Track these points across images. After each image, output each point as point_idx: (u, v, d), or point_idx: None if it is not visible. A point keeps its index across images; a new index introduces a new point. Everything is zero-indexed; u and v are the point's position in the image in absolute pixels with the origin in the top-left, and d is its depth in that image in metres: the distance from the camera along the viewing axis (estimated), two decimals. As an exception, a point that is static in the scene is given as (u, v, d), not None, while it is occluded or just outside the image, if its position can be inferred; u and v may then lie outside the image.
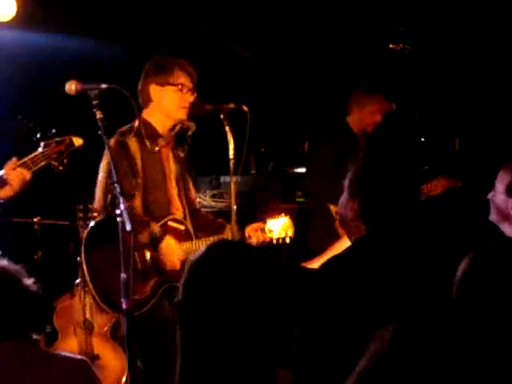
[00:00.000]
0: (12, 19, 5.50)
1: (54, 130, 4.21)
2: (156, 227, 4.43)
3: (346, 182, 2.94)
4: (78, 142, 4.28)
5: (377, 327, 1.70)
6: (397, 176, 2.92)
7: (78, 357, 2.82)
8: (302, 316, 2.73)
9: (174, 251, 4.46)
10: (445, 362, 1.50)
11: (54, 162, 4.16)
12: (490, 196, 3.42)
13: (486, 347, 1.56)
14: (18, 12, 5.48)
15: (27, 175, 4.01)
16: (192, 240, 4.58)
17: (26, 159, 4.09)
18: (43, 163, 4.13)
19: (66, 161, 4.19)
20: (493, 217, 3.42)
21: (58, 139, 4.20)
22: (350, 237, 2.96)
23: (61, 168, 4.18)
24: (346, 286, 2.72)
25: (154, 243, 4.42)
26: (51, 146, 4.17)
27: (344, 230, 3.02)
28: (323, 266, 2.87)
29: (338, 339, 2.66)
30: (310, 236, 5.83)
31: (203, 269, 2.11)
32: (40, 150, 4.15)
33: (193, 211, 4.80)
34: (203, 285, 2.08)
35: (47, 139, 4.17)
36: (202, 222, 4.82)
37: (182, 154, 4.77)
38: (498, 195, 3.35)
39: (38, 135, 4.16)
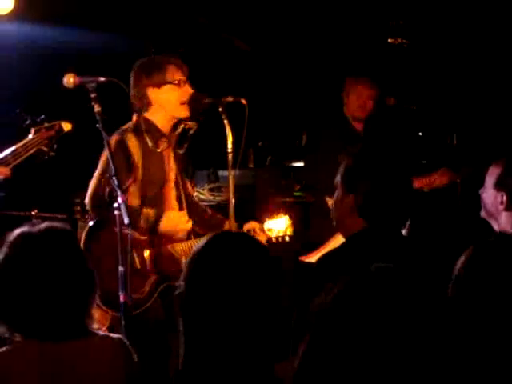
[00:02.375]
0: (10, 12, 5.49)
1: (43, 116, 4.20)
2: (150, 211, 4.41)
3: (338, 178, 2.92)
4: (67, 126, 4.27)
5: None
6: (391, 170, 2.91)
7: (116, 335, 2.80)
8: (299, 309, 2.73)
9: (177, 220, 4.46)
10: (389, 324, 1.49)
11: (44, 148, 4.16)
12: (480, 191, 3.38)
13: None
14: (15, 5, 5.46)
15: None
16: (191, 239, 4.56)
17: (16, 146, 4.09)
18: (34, 149, 4.13)
19: (56, 146, 4.19)
20: (482, 213, 3.37)
21: (47, 125, 4.19)
22: (344, 233, 2.94)
23: (51, 154, 4.18)
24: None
25: (153, 225, 4.40)
26: (41, 132, 4.17)
27: (338, 227, 3.01)
28: (320, 259, 2.87)
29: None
30: (312, 228, 5.82)
31: (205, 259, 2.12)
32: (30, 136, 4.14)
33: (190, 205, 4.77)
34: (205, 275, 2.09)
35: (37, 125, 4.16)
36: (200, 217, 4.80)
37: (181, 151, 4.74)
38: (488, 190, 3.31)
39: (28, 121, 4.15)
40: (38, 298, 2.60)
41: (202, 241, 2.17)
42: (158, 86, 4.49)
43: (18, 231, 2.68)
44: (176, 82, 4.49)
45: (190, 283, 2.11)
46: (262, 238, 4.66)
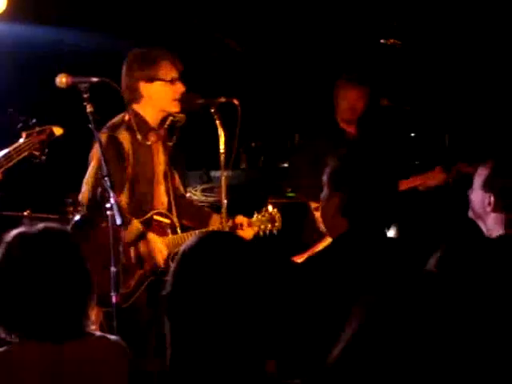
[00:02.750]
0: (3, 12, 5.49)
1: (34, 120, 4.21)
2: (138, 225, 4.37)
3: (325, 178, 2.93)
4: (58, 131, 4.28)
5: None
6: (377, 171, 2.92)
7: (113, 336, 2.81)
8: (285, 309, 2.74)
9: (156, 247, 4.39)
10: (421, 330, 1.51)
11: (35, 152, 4.17)
12: (468, 192, 3.39)
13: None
14: (8, 5, 5.46)
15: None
16: (177, 233, 4.55)
17: (9, 149, 4.10)
18: (26, 153, 4.14)
19: (46, 150, 4.20)
20: (470, 213, 3.39)
21: (39, 129, 4.21)
22: (331, 233, 2.95)
23: (43, 158, 4.19)
24: (327, 280, 2.73)
25: (138, 241, 4.37)
26: (33, 136, 4.18)
27: (325, 227, 3.01)
28: (306, 260, 2.88)
29: (318, 330, 2.67)
30: (306, 229, 5.82)
31: (194, 259, 2.12)
32: (22, 140, 4.15)
33: (178, 198, 4.74)
34: (193, 275, 2.09)
35: (28, 129, 4.17)
36: (187, 210, 4.79)
37: (170, 144, 4.71)
38: (475, 191, 3.32)
39: (20, 125, 4.16)
40: (35, 299, 2.60)
41: (190, 240, 2.17)
42: (151, 80, 4.43)
43: (15, 232, 2.68)
44: (169, 79, 4.45)
45: (177, 283, 2.11)
46: (250, 233, 4.66)
